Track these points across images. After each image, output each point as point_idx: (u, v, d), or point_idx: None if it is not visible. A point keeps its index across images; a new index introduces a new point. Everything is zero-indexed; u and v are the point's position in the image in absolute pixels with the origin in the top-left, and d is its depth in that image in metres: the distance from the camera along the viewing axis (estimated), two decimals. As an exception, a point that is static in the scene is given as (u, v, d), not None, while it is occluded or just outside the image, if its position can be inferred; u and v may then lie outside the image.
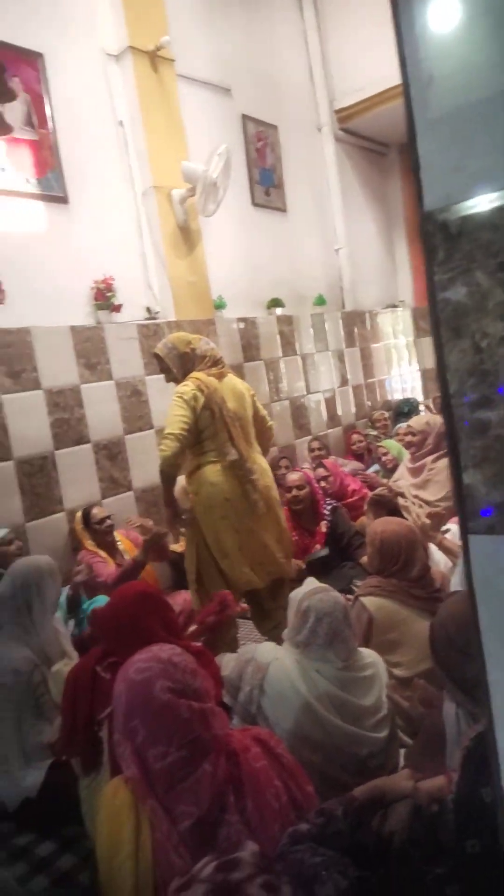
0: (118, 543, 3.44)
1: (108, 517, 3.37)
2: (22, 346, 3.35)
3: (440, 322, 0.69)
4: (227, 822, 1.19)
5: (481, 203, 0.66)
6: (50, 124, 3.71)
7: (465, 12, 0.64)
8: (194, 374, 2.89)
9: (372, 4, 5.63)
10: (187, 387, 2.81)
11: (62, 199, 3.75)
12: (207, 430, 2.81)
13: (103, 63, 4.11)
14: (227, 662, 1.91)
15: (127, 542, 3.49)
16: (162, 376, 3.07)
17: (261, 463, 3.00)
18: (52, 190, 3.70)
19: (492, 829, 0.78)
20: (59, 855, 1.92)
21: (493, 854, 0.90)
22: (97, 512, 3.37)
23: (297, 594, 1.91)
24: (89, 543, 3.31)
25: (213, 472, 2.83)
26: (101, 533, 3.34)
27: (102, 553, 3.29)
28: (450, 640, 1.64)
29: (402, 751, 1.99)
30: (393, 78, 5.69)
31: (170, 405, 2.82)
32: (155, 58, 4.21)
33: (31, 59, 3.64)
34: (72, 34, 3.90)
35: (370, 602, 2.25)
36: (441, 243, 0.68)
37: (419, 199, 0.68)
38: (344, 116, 6.34)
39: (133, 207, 4.21)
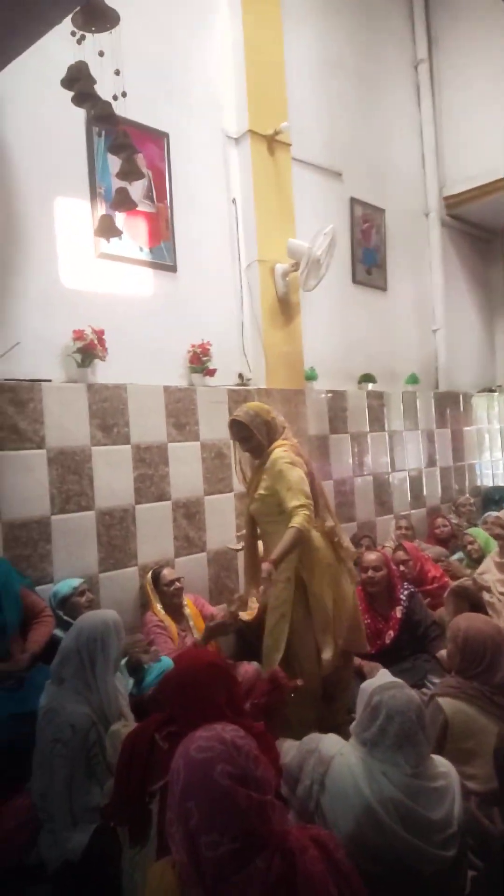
0: (185, 608, 3.39)
1: (178, 580, 3.35)
2: (117, 402, 3.48)
3: None
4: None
5: None
6: (167, 199, 3.95)
7: None
8: (282, 441, 2.92)
9: (487, 97, 5.81)
10: (288, 453, 2.85)
11: (171, 268, 3.95)
12: None
13: (223, 144, 4.37)
14: (288, 750, 1.82)
15: (194, 608, 3.45)
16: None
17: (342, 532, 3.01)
18: (163, 259, 3.91)
19: None
20: (93, 929, 1.83)
21: None
22: (167, 573, 3.36)
23: (368, 686, 1.80)
24: (157, 607, 3.29)
25: (316, 537, 2.83)
26: (169, 595, 3.32)
27: (167, 620, 3.25)
28: None
29: (471, 874, 1.80)
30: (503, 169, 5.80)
31: (283, 470, 2.81)
32: (273, 142, 4.43)
33: (157, 138, 3.92)
34: (196, 116, 4.20)
35: (447, 704, 2.10)
36: None
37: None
38: (452, 203, 6.44)
39: (237, 278, 4.37)
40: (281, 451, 2.86)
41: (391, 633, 3.37)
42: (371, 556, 3.54)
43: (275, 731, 2.04)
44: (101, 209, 3.52)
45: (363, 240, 5.54)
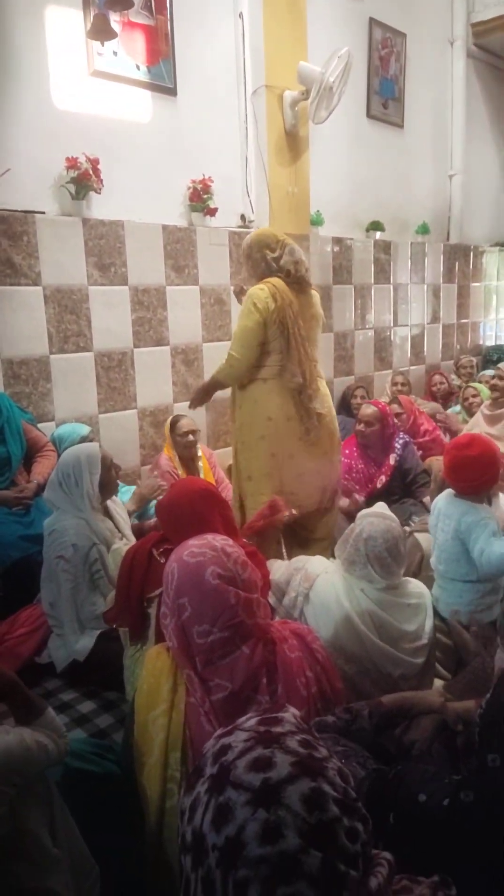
0: (199, 461, 3.45)
1: (192, 433, 3.36)
2: (114, 240, 3.36)
3: None
4: (257, 702, 1.24)
5: None
6: (168, 10, 3.57)
7: None
8: (271, 279, 2.70)
9: None
10: (263, 292, 2.64)
11: (171, 91, 3.64)
12: (272, 343, 2.67)
13: None
14: (278, 568, 1.96)
15: (206, 463, 3.50)
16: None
17: (324, 390, 2.86)
18: (163, 80, 3.59)
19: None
20: (99, 714, 2.07)
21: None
22: (184, 424, 3.38)
23: (359, 514, 1.92)
24: (172, 453, 3.36)
25: (262, 389, 2.71)
26: (182, 445, 3.37)
27: (180, 469, 3.33)
28: None
29: (440, 682, 2.01)
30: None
31: (242, 311, 2.68)
32: None
33: None
34: None
35: (425, 540, 2.23)
36: None
37: None
38: (480, 31, 5.83)
39: (241, 106, 4.04)
40: (255, 290, 2.66)
41: (383, 478, 3.50)
42: (368, 411, 3.55)
43: (266, 554, 2.19)
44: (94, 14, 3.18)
45: (381, 68, 5.07)
